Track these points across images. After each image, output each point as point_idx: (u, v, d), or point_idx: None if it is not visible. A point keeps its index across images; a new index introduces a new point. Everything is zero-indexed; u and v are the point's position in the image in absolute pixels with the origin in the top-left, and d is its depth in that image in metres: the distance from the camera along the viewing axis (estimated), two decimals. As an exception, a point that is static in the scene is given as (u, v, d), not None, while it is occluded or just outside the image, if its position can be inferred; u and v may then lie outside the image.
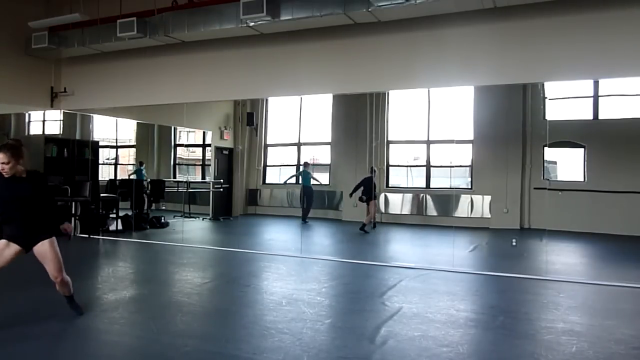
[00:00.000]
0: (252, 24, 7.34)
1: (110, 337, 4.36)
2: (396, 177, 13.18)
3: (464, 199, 12.13)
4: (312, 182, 12.59)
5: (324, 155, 13.99)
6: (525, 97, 11.95)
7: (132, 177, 12.49)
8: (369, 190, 10.90)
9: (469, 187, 12.36)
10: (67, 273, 4.61)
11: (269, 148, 14.39)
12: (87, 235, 9.94)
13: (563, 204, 11.10)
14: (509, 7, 6.53)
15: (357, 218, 11.76)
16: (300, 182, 12.52)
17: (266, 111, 14.30)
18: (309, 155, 14.23)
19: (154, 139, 13.22)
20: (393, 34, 7.36)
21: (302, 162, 13.91)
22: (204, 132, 13.38)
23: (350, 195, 11.23)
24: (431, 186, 12.58)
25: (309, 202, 12.35)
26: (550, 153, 12.01)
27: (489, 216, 11.91)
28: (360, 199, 11.02)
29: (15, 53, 9.16)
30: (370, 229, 10.97)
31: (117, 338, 4.33)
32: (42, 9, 9.31)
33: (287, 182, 12.80)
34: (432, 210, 12.45)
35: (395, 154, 13.21)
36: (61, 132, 10.50)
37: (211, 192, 12.86)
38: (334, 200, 13.21)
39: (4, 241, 4.34)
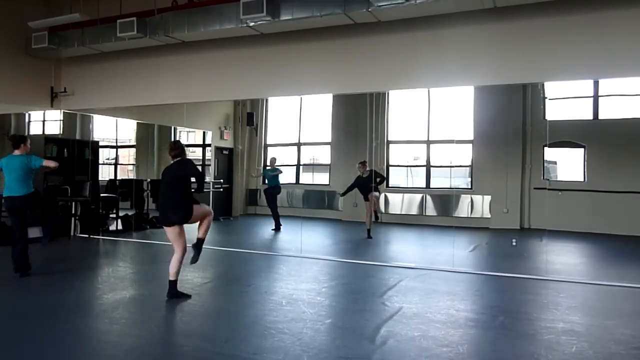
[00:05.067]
0: (252, 24, 7.34)
1: (111, 337, 4.36)
2: (396, 177, 13.18)
3: (464, 199, 12.13)
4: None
5: (324, 155, 14.00)
6: (525, 97, 11.95)
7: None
8: (364, 188, 10.29)
9: (469, 187, 12.37)
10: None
11: (269, 148, 14.40)
12: (87, 235, 9.95)
13: (563, 204, 11.11)
14: (509, 7, 6.53)
15: (357, 218, 11.76)
16: (266, 182, 11.67)
17: (266, 111, 14.31)
18: (308, 155, 14.24)
19: (154, 139, 13.22)
20: (393, 34, 7.36)
21: (302, 162, 13.92)
22: (204, 132, 13.38)
23: (342, 194, 10.79)
24: (431, 186, 12.58)
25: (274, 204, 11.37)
26: (550, 153, 12.02)
27: (489, 216, 11.91)
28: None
29: (15, 53, 9.16)
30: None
31: (117, 338, 4.33)
32: (42, 9, 9.31)
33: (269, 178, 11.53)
34: (432, 210, 12.45)
35: (395, 154, 13.21)
36: (61, 132, 10.49)
37: (211, 192, 12.86)
38: (334, 200, 13.21)
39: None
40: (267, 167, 11.78)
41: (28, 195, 6.35)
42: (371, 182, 10.11)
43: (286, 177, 13.26)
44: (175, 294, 5.37)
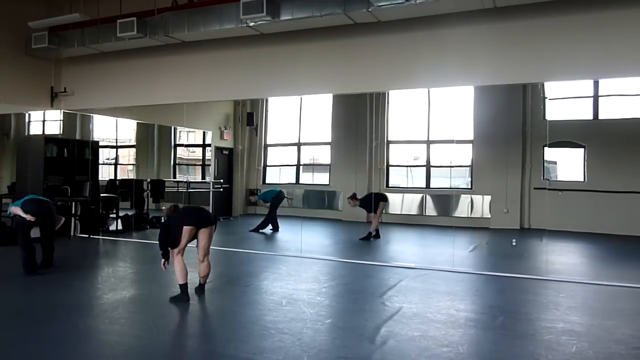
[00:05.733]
0: (252, 24, 7.34)
1: (111, 338, 4.36)
2: (396, 177, 13.18)
3: (464, 199, 12.13)
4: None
5: (324, 155, 14.00)
6: (525, 97, 11.95)
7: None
8: (367, 205, 10.20)
9: (469, 187, 12.37)
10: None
11: (269, 148, 14.40)
12: (87, 235, 9.95)
13: (563, 204, 11.11)
14: (509, 7, 6.53)
15: (357, 218, 11.77)
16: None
17: (266, 111, 14.31)
18: (308, 155, 14.23)
19: (154, 139, 13.22)
20: (393, 34, 7.36)
21: (302, 162, 13.90)
22: (204, 132, 13.38)
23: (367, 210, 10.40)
24: (431, 186, 12.59)
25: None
26: (550, 153, 12.02)
27: (489, 216, 11.91)
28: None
29: (15, 53, 9.17)
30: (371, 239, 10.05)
31: (117, 338, 4.33)
32: (42, 9, 9.32)
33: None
34: (432, 210, 12.45)
35: (395, 154, 13.21)
36: (61, 132, 10.50)
37: (211, 192, 12.86)
38: (334, 200, 13.21)
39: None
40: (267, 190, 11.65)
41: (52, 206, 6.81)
42: (371, 202, 9.93)
43: (286, 177, 13.18)
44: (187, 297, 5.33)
